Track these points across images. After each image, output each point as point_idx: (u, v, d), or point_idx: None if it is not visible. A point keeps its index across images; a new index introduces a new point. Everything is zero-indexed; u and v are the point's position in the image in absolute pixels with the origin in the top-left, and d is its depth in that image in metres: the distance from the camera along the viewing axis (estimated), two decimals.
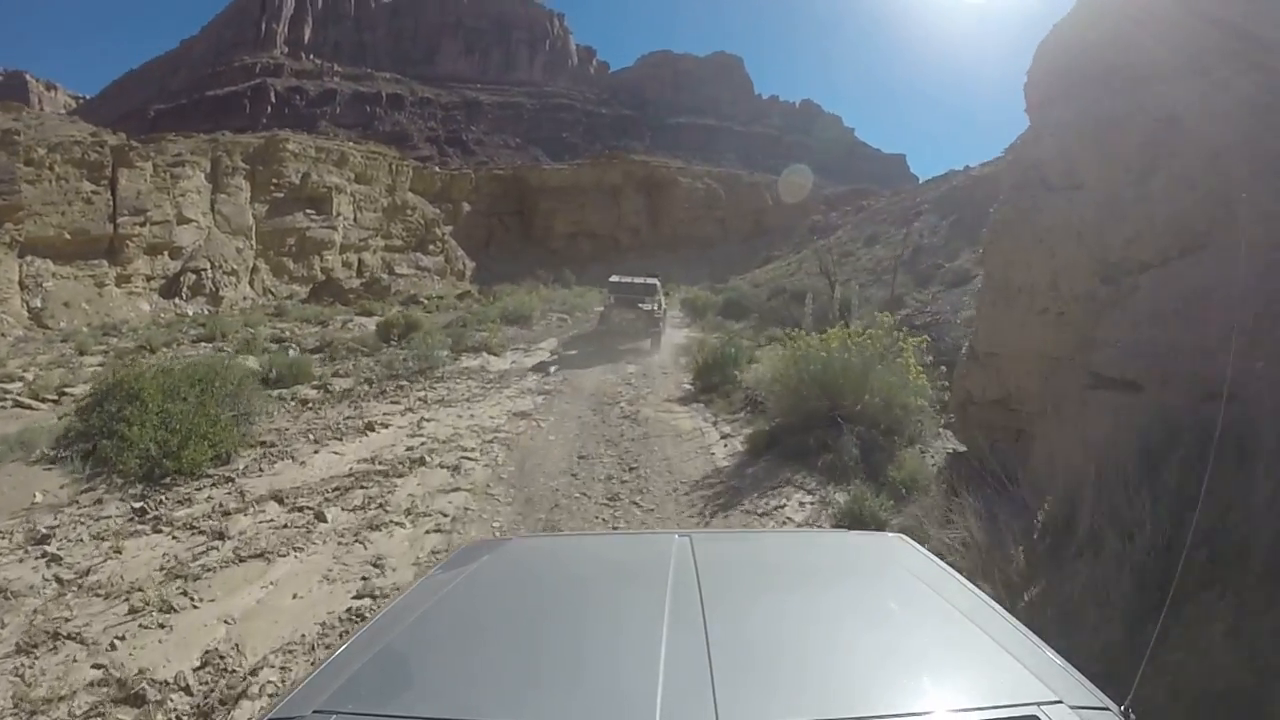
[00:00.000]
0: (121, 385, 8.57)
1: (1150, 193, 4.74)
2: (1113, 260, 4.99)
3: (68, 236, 34.75)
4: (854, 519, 5.51)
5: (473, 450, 7.71)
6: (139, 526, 5.89)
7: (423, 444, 7.98)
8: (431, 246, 65.30)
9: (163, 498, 6.62)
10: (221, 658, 3.96)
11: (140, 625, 4.28)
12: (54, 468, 7.33)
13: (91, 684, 3.72)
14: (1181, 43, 4.63)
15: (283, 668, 3.86)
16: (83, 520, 5.98)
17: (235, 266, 44.06)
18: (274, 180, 49.06)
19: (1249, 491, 2.89)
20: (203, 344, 26.31)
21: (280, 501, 6.57)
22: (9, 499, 6.51)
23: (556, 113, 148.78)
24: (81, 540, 5.56)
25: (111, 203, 36.38)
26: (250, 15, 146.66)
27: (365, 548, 5.46)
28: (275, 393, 12.94)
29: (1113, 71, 5.27)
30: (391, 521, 5.84)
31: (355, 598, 4.67)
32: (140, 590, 4.67)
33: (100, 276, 35.96)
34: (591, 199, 76.43)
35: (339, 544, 5.54)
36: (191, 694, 3.67)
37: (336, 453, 7.94)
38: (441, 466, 7.12)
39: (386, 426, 9.01)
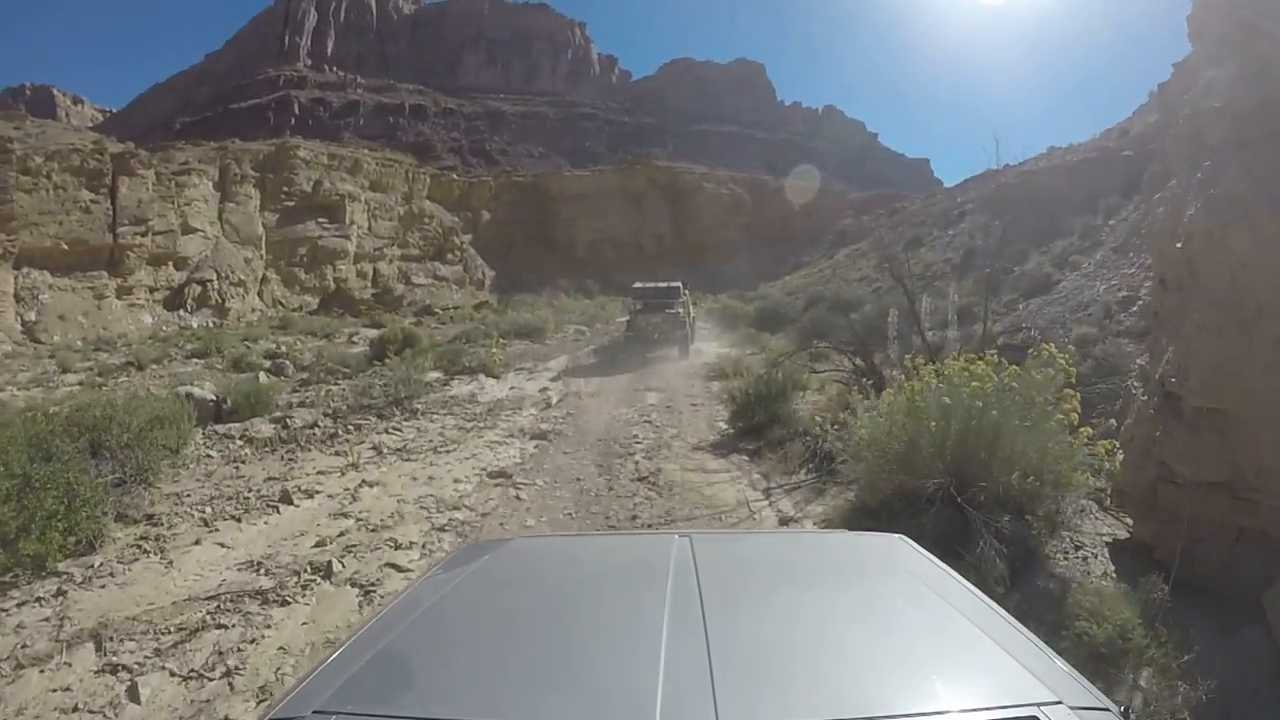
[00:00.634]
0: None
1: None
2: None
3: (65, 247, 33.24)
4: None
5: (411, 548, 5.16)
6: None
7: (343, 534, 5.49)
8: (450, 255, 63.60)
9: None
10: None
11: None
12: None
13: None
14: None
15: None
16: None
17: (243, 277, 42.39)
18: (285, 188, 47.45)
19: None
20: (194, 360, 24.66)
21: (99, 647, 4.18)
22: None
23: (579, 122, 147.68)
24: None
25: (111, 212, 34.84)
26: (273, 29, 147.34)
27: None
28: (225, 428, 10.86)
29: None
30: (227, 718, 3.36)
31: None
32: None
33: (100, 288, 34.40)
34: (614, 206, 74.97)
35: None
36: None
37: (224, 544, 5.51)
38: (353, 584, 4.59)
39: (311, 495, 6.55)
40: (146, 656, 3.99)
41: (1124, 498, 5.43)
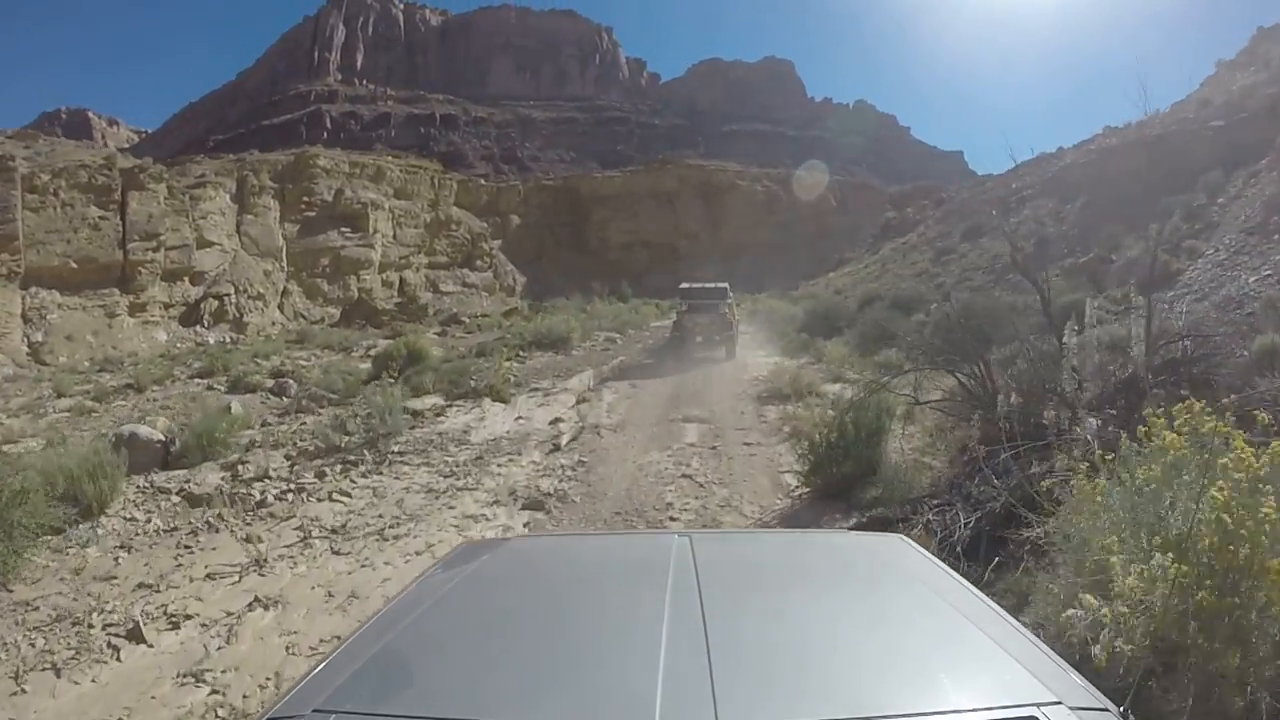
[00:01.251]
0: None
1: None
2: None
3: (74, 265, 31.93)
4: None
5: None
6: None
7: None
8: (479, 262, 61.79)
9: None
10: None
11: None
12: None
13: None
14: None
15: None
16: None
17: (262, 290, 40.89)
18: (305, 198, 45.94)
19: None
20: (198, 380, 22.94)
21: None
22: None
23: (610, 126, 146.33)
24: None
25: (121, 228, 33.45)
26: (303, 45, 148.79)
27: None
28: (167, 476, 8.84)
29: None
30: None
31: None
32: None
33: (111, 306, 33.03)
34: (646, 207, 72.71)
35: None
36: None
37: None
38: None
39: (175, 626, 4.17)
40: None
41: None
